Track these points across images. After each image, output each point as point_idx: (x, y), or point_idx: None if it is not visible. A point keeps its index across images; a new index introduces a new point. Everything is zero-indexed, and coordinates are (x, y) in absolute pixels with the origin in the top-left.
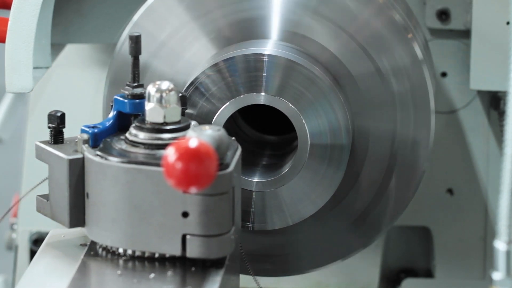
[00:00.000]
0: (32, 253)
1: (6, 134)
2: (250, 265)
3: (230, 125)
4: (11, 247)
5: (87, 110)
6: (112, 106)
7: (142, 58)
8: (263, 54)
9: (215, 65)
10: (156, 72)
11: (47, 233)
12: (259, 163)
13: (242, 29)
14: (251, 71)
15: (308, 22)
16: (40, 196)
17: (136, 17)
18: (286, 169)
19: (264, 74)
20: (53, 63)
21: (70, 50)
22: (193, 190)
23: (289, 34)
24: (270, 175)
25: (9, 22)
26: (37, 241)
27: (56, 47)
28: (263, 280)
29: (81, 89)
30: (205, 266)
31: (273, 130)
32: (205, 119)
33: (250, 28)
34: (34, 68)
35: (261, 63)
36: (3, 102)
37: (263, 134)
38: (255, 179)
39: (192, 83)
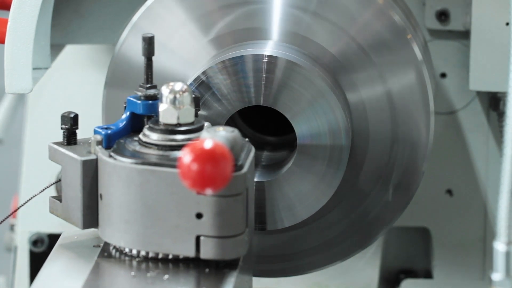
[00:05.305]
0: (32, 254)
1: (6, 135)
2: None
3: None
4: (11, 248)
5: (87, 111)
6: (125, 107)
7: (140, 59)
8: (262, 55)
9: (215, 65)
10: (156, 73)
11: (46, 234)
12: (258, 164)
13: (242, 30)
14: (251, 72)
15: (308, 23)
16: (53, 197)
17: (135, 18)
18: (285, 169)
19: (264, 75)
20: (53, 63)
21: (70, 51)
22: (208, 191)
23: (289, 35)
24: (269, 175)
25: (9, 23)
26: (36, 242)
27: (56, 48)
28: (263, 281)
29: (80, 90)
30: (218, 267)
31: (272, 130)
32: (204, 118)
33: (250, 29)
34: (34, 69)
35: (261, 64)
36: (3, 102)
37: (262, 134)
38: (254, 180)
39: (192, 83)
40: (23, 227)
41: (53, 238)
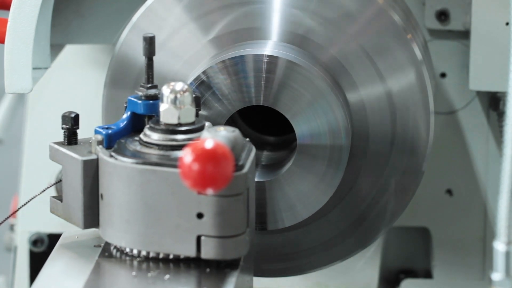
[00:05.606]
0: (32, 254)
1: (6, 135)
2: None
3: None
4: (10, 248)
5: (86, 111)
6: (125, 107)
7: (140, 59)
8: (263, 55)
9: (215, 65)
10: (155, 73)
11: (46, 234)
12: (258, 163)
13: (242, 30)
14: (251, 71)
15: (307, 23)
16: (54, 197)
17: (135, 17)
18: (285, 169)
19: (264, 75)
20: (52, 63)
21: (69, 51)
22: (209, 191)
23: (289, 34)
24: (269, 175)
25: (9, 23)
26: (36, 242)
27: (55, 48)
28: (263, 281)
29: (80, 90)
30: (219, 267)
31: (272, 130)
32: (204, 118)
33: (249, 29)
34: (34, 68)
35: (261, 63)
36: (3, 102)
37: (262, 134)
38: (254, 180)
39: (192, 82)
40: (23, 227)
41: (53, 238)
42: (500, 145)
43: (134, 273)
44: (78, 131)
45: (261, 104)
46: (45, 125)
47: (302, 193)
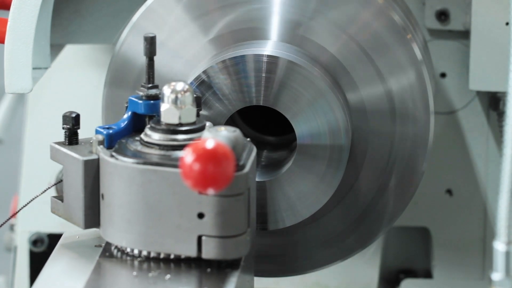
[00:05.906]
0: (32, 254)
1: (6, 135)
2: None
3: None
4: (10, 248)
5: (86, 111)
6: (126, 107)
7: (140, 59)
8: (263, 55)
9: (215, 65)
10: (155, 73)
11: (46, 234)
12: (258, 163)
13: (242, 30)
14: (252, 71)
15: (307, 23)
16: (55, 197)
17: (135, 17)
18: (285, 169)
19: (263, 75)
20: (52, 63)
21: (70, 51)
22: (210, 191)
23: (289, 34)
24: (268, 175)
25: (8, 23)
26: (36, 242)
27: (56, 48)
28: (263, 281)
29: (80, 90)
30: (220, 267)
31: (272, 130)
32: (204, 118)
33: (250, 28)
34: (33, 68)
35: (261, 63)
36: (3, 102)
37: (261, 134)
38: (255, 180)
39: (192, 82)
40: (23, 227)
41: (53, 238)
42: (500, 145)
43: (135, 273)
44: (78, 131)
45: (261, 104)
46: (45, 125)
47: (302, 193)
